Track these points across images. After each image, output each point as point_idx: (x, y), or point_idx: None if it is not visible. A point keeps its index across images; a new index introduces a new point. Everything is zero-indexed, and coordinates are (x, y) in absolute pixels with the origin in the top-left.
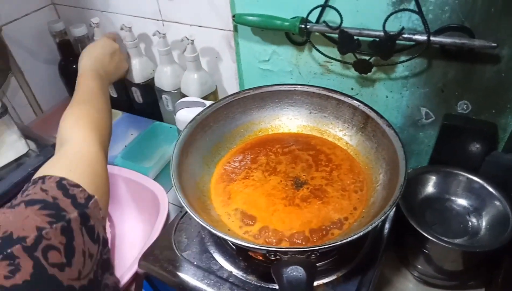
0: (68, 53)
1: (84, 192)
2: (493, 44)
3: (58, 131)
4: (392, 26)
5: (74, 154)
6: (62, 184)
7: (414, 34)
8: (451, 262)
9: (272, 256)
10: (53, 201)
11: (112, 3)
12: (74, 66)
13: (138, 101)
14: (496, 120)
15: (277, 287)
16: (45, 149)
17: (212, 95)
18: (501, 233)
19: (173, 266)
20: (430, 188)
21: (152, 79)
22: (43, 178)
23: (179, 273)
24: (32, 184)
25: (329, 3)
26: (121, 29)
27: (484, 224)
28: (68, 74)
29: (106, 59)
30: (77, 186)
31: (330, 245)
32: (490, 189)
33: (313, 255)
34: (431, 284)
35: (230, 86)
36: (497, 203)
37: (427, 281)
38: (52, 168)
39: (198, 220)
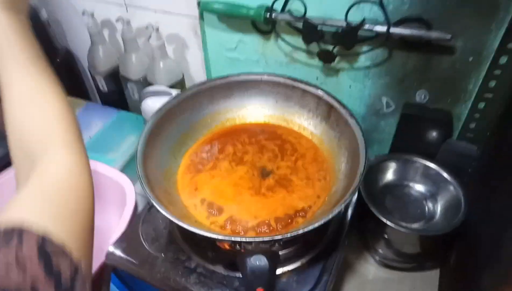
0: None
1: (70, 261)
2: (448, 36)
3: (16, 137)
4: (355, 17)
5: (58, 186)
6: (44, 250)
7: (375, 25)
8: (409, 246)
9: (237, 246)
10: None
11: None
12: None
13: (102, 90)
14: (451, 109)
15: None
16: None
17: (179, 84)
18: (454, 217)
19: (141, 258)
20: (390, 174)
21: (117, 67)
22: (20, 234)
23: (146, 265)
24: (3, 239)
25: None
26: (83, 14)
27: (439, 208)
28: None
29: None
30: (62, 249)
31: (292, 234)
32: (445, 175)
33: (276, 244)
34: (391, 266)
35: (197, 74)
36: (451, 188)
37: (388, 264)
38: (31, 210)
39: (164, 213)
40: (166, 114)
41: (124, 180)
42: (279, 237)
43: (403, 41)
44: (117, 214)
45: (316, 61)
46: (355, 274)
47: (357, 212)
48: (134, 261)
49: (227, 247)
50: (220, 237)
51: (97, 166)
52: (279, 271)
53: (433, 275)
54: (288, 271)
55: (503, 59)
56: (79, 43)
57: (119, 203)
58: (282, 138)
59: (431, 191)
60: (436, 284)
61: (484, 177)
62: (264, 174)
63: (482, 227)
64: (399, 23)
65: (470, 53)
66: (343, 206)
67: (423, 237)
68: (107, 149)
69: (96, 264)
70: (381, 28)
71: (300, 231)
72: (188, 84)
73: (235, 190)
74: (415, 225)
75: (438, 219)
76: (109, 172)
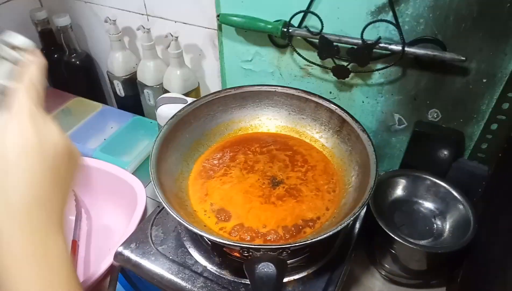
0: (50, 42)
1: None
2: (462, 58)
3: None
4: (370, 35)
5: None
6: None
7: (390, 44)
8: (416, 262)
9: (245, 252)
10: None
11: None
12: (56, 55)
13: (119, 94)
14: (463, 129)
15: (249, 282)
16: None
17: (194, 92)
18: (463, 236)
19: (149, 260)
20: (399, 190)
21: (135, 73)
22: None
23: (154, 267)
24: None
25: (311, 9)
26: (105, 21)
27: (448, 226)
28: (49, 63)
29: (59, 177)
30: None
31: (300, 243)
32: (455, 193)
33: (284, 253)
34: (397, 282)
35: (212, 84)
36: (461, 206)
37: (393, 280)
38: None
39: (174, 216)
40: (181, 121)
41: (135, 183)
42: (288, 245)
43: (417, 61)
44: (128, 215)
45: (330, 76)
46: (360, 287)
47: (365, 226)
48: (141, 262)
49: (234, 253)
50: (229, 243)
51: (110, 167)
52: (285, 280)
53: None
54: (294, 280)
55: None
56: (99, 48)
57: (130, 205)
58: (293, 149)
59: (440, 208)
60: None
61: (493, 197)
62: (274, 183)
63: (490, 247)
64: (414, 42)
65: (484, 75)
66: (351, 219)
67: (430, 254)
68: (121, 151)
69: (104, 265)
70: (396, 47)
71: (309, 241)
72: (203, 93)
73: (245, 198)
74: (423, 242)
75: (446, 237)
76: (121, 174)
